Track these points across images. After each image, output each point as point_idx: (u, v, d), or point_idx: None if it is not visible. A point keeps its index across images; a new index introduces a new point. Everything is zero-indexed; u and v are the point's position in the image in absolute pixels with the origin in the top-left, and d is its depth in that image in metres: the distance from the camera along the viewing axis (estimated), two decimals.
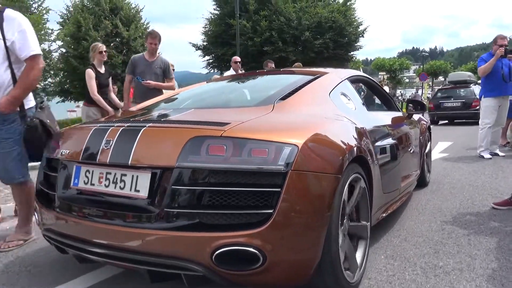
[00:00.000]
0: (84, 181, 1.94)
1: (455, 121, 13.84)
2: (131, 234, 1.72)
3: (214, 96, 2.98)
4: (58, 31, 20.75)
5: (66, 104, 24.83)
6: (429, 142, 4.59)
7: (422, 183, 4.20)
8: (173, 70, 6.53)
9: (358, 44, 24.09)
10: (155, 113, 2.36)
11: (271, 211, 1.57)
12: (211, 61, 25.46)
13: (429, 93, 35.99)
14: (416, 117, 4.07)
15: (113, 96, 5.29)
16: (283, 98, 2.25)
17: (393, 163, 2.75)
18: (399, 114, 3.64)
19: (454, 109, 13.26)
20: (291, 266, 1.70)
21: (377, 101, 3.66)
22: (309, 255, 1.73)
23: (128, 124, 1.96)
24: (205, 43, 24.87)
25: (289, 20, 21.08)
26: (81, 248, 1.90)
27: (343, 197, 1.86)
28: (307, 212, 1.68)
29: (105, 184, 1.86)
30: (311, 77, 2.66)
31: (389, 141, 2.76)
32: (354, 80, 3.11)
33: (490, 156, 6.08)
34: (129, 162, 1.77)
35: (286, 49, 21.25)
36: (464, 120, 13.38)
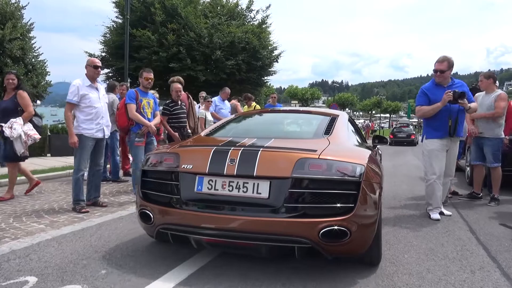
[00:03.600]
0: (207, 187, 2.69)
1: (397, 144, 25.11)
2: (258, 222, 2.52)
3: (275, 128, 3.95)
4: None
5: None
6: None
7: None
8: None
9: (272, 69, 23.02)
10: (249, 140, 3.07)
11: (353, 205, 2.50)
12: (110, 74, 22.41)
13: None
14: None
15: None
16: (326, 133, 3.31)
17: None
18: (371, 145, 4.45)
19: (402, 138, 26.23)
20: (362, 239, 2.63)
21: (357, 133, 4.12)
22: (371, 232, 2.70)
23: (243, 148, 2.78)
24: (103, 54, 21.79)
25: (200, 37, 19.16)
26: (207, 234, 2.67)
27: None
28: (371, 205, 2.63)
29: (228, 190, 2.64)
30: (329, 117, 3.73)
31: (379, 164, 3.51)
32: (349, 119, 3.98)
33: (438, 217, 4.57)
34: (254, 174, 2.58)
35: (195, 67, 19.23)
36: (405, 144, 25.07)
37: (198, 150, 3.06)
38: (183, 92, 6.75)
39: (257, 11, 22.46)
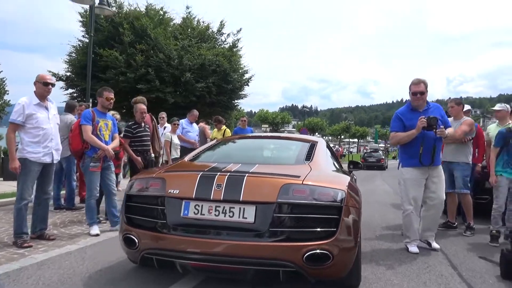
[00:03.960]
0: (194, 212, 2.72)
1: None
2: (244, 246, 2.56)
3: (257, 154, 4.02)
4: None
5: None
6: None
7: None
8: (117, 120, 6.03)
9: (242, 93, 22.86)
10: (234, 166, 3.08)
11: (335, 229, 2.59)
12: (75, 95, 21.51)
13: None
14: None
15: None
16: (307, 159, 3.38)
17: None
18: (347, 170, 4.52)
19: (373, 163, 28.63)
20: (343, 263, 2.71)
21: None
22: (352, 256, 2.77)
23: (229, 174, 2.82)
24: (68, 74, 20.96)
25: (169, 58, 18.77)
26: (195, 258, 2.67)
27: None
28: (353, 229, 2.72)
29: (215, 214, 2.68)
30: (309, 143, 3.85)
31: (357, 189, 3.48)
32: (327, 146, 4.11)
33: (417, 251, 4.31)
34: (241, 199, 2.65)
35: (164, 89, 18.72)
36: (375, 169, 27.17)
37: (184, 175, 3.09)
38: (147, 114, 6.35)
39: (228, 35, 22.41)
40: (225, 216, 2.65)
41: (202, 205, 2.72)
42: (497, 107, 5.77)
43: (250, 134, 6.36)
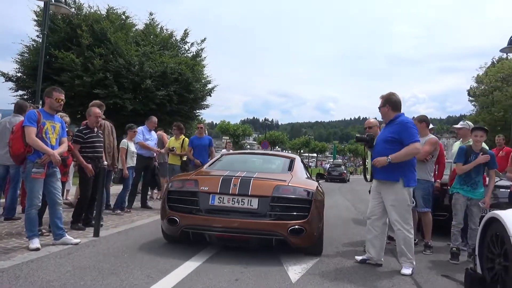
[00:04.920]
0: (218, 201, 4.28)
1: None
2: (251, 223, 4.15)
3: (254, 165, 5.77)
4: None
5: None
6: None
7: None
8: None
9: (204, 103, 22.54)
10: (241, 173, 4.61)
11: (307, 213, 4.18)
12: (26, 97, 20.26)
13: None
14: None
15: None
16: (289, 170, 5.15)
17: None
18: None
19: (336, 176, 30.94)
20: (312, 235, 4.30)
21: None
22: (318, 230, 4.43)
23: (241, 177, 4.40)
24: (19, 75, 19.74)
25: (129, 64, 18.14)
26: (220, 230, 4.22)
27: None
28: (318, 214, 4.39)
29: (231, 203, 4.24)
30: (289, 159, 5.69)
31: (322, 190, 5.18)
32: (301, 161, 6.03)
33: (361, 258, 4.53)
34: (249, 193, 4.22)
35: (122, 95, 18.02)
36: (338, 181, 29.23)
37: (211, 177, 4.74)
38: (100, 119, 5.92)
39: (192, 44, 22.10)
40: (238, 204, 4.23)
41: (223, 197, 4.28)
42: (460, 125, 5.86)
43: (247, 151, 8.93)
